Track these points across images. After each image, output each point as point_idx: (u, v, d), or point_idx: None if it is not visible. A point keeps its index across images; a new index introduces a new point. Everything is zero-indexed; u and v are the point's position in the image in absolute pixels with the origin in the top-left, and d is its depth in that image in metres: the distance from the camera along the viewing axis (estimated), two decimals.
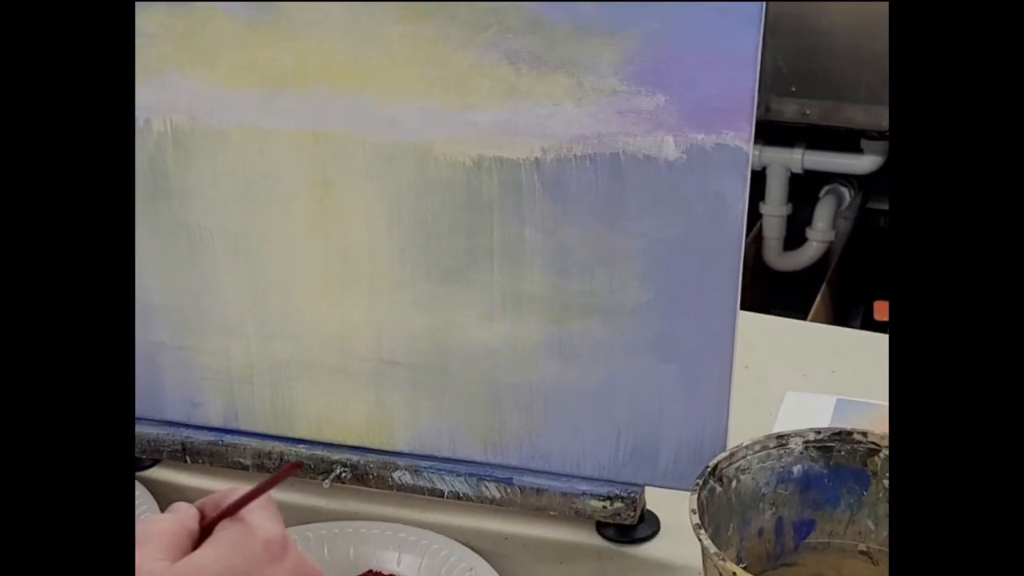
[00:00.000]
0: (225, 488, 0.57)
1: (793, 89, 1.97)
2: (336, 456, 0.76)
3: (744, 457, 0.63)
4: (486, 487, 0.74)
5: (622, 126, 0.67)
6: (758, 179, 2.09)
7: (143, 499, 0.79)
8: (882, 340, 1.01)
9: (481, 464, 0.75)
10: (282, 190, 0.73)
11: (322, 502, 0.79)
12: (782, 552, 0.65)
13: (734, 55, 0.64)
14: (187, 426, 0.79)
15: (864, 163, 2.07)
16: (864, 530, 0.65)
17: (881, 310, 1.89)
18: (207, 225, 0.75)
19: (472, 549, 0.73)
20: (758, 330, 0.98)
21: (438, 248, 0.71)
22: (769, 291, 2.17)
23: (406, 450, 0.75)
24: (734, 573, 0.54)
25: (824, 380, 0.92)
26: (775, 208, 2.15)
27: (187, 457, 0.79)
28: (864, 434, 0.64)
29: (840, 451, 0.64)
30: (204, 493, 0.79)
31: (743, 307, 0.70)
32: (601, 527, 0.76)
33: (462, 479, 0.74)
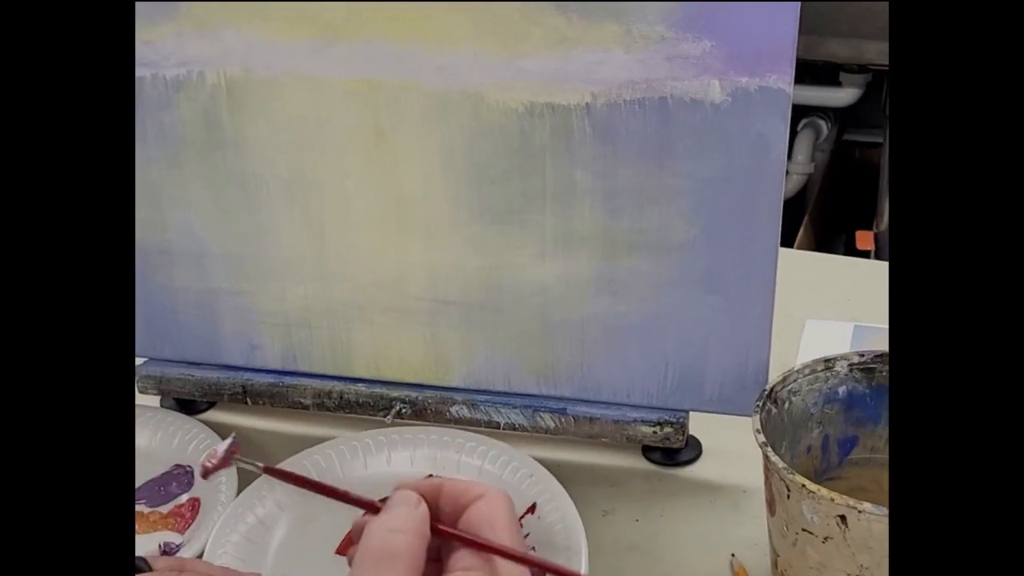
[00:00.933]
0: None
1: None
2: (395, 393, 0.80)
3: (795, 380, 0.68)
4: (541, 418, 0.78)
5: (670, 71, 0.70)
6: None
7: (205, 434, 0.82)
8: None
9: (535, 396, 0.79)
10: (336, 137, 0.75)
11: None
12: (827, 467, 0.70)
13: (776, 3, 0.68)
14: (247, 369, 0.83)
15: (843, 96, 2.11)
16: None
17: (863, 240, 1.94)
18: (262, 173, 0.77)
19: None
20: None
21: (491, 191, 0.75)
22: None
23: (462, 385, 0.79)
24: (803, 485, 0.58)
25: (841, 308, 0.97)
26: None
27: (247, 399, 0.83)
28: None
29: (881, 372, 0.68)
30: (264, 433, 0.84)
31: None
32: (647, 452, 0.81)
33: (518, 411, 0.78)
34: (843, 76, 2.07)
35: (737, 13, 0.68)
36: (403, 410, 0.80)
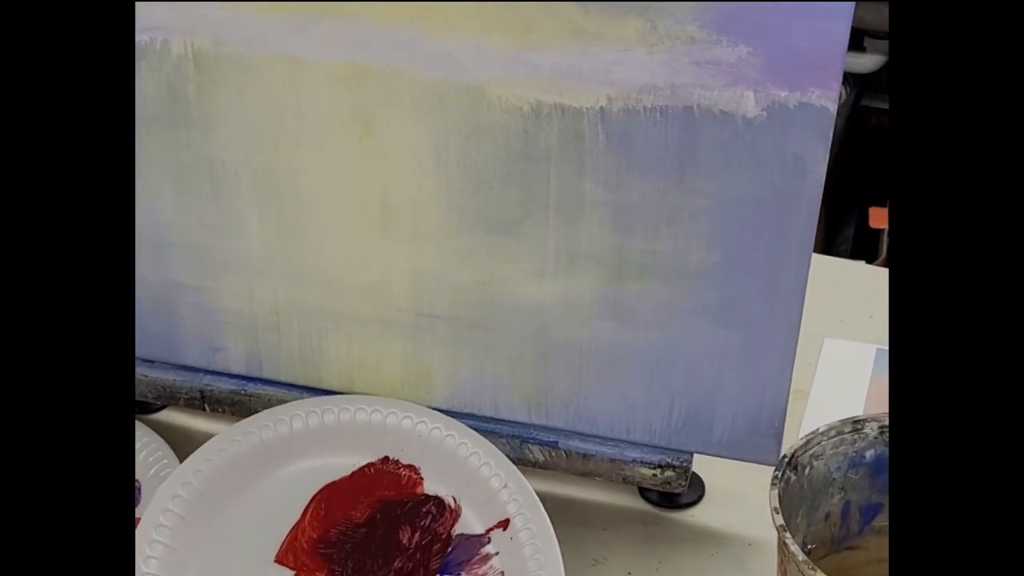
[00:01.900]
0: None
1: None
2: None
3: (819, 444, 0.60)
4: (529, 450, 0.71)
5: (698, 78, 0.61)
6: None
7: (152, 442, 0.75)
8: None
9: (524, 425, 0.71)
10: (317, 126, 0.67)
11: None
12: (846, 535, 0.63)
13: (828, 6, 0.59)
14: (207, 372, 0.75)
15: (865, 62, 2.01)
16: None
17: (877, 217, 1.86)
18: (231, 159, 0.69)
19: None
20: None
21: (488, 197, 0.66)
22: None
23: (444, 407, 0.71)
24: None
25: (863, 326, 0.89)
26: None
27: (206, 405, 0.75)
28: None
29: None
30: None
31: None
32: (644, 490, 0.73)
33: (504, 440, 0.70)
34: (868, 42, 1.97)
35: (781, 17, 0.59)
36: None
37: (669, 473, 0.69)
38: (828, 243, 2.00)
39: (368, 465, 0.69)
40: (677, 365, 0.68)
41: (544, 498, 0.72)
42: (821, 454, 0.60)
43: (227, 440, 0.69)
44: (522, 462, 0.70)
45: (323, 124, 0.67)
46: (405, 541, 0.67)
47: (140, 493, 0.72)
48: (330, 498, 0.68)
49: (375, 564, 0.67)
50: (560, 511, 0.71)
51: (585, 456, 0.70)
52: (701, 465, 0.73)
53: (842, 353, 0.86)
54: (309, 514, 0.68)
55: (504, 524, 0.67)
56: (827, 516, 0.62)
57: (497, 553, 0.66)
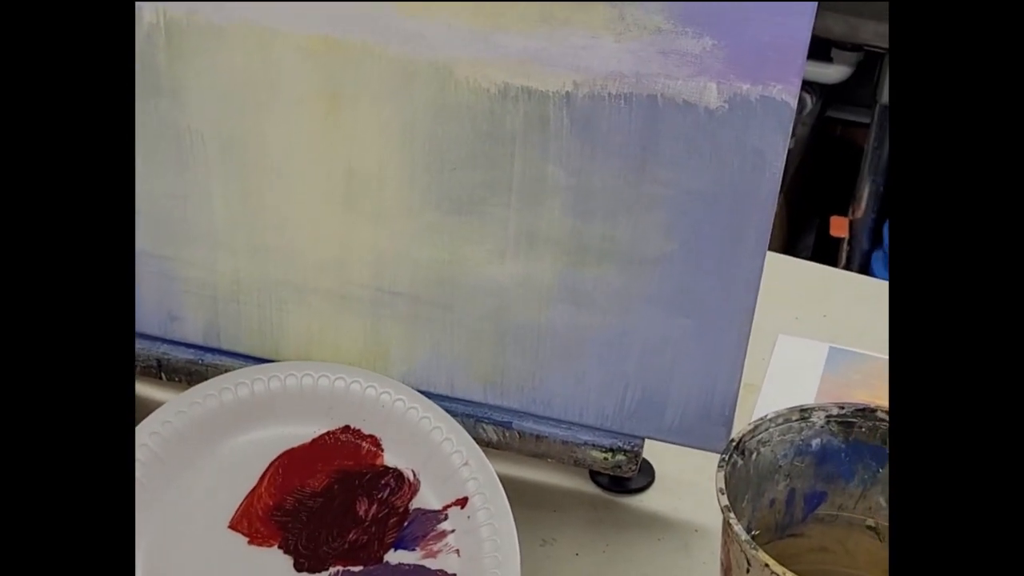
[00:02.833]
0: None
1: None
2: None
3: (766, 430, 0.61)
4: (484, 429, 0.71)
5: (663, 67, 0.62)
6: None
7: None
8: (872, 285, 0.99)
9: (479, 405, 0.72)
10: (285, 98, 0.67)
11: None
12: (791, 522, 0.64)
13: (791, 2, 0.60)
14: (164, 340, 0.75)
15: (832, 72, 2.03)
16: (874, 506, 0.63)
17: (837, 226, 1.88)
18: (199, 128, 0.69)
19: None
20: None
21: (452, 177, 0.67)
22: None
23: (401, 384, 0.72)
24: (766, 564, 0.52)
25: (815, 324, 0.91)
26: None
27: (162, 374, 0.75)
28: (888, 412, 0.62)
29: (861, 427, 0.62)
30: None
31: None
32: (595, 474, 0.74)
33: (459, 419, 0.71)
34: (835, 53, 1.99)
35: (745, 11, 0.60)
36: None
37: (620, 457, 0.70)
38: (789, 250, 2.02)
39: (328, 433, 0.69)
40: (631, 351, 0.68)
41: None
42: (768, 440, 0.61)
43: (186, 402, 0.69)
44: (476, 441, 0.71)
45: (291, 97, 0.67)
46: (361, 513, 0.68)
47: None
48: (288, 465, 0.68)
49: (330, 535, 0.67)
50: (512, 491, 0.71)
51: (538, 437, 0.71)
52: (652, 453, 0.74)
53: (795, 350, 0.88)
54: (266, 481, 0.68)
55: (462, 502, 0.67)
56: (772, 502, 0.63)
57: (453, 531, 0.67)
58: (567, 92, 0.63)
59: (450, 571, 0.65)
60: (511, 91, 0.64)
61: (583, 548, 0.70)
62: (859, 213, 1.90)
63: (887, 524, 0.64)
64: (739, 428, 0.61)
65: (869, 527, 0.64)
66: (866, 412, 0.62)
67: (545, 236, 0.67)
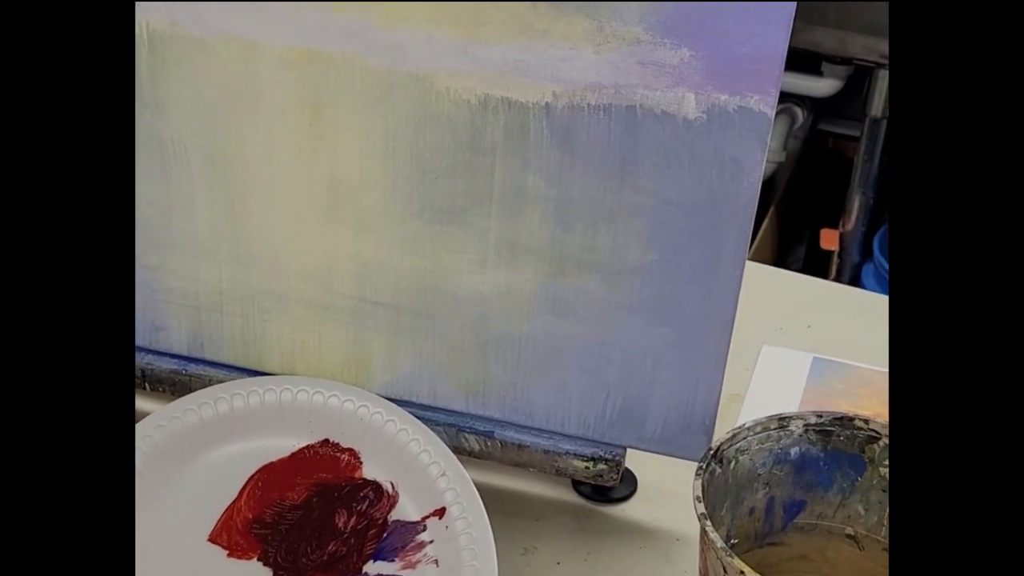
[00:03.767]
0: None
1: None
2: None
3: (745, 438, 0.61)
4: (465, 439, 0.72)
5: (642, 78, 0.63)
6: None
7: None
8: (856, 295, 1.00)
9: (461, 414, 0.72)
10: (268, 109, 0.68)
11: None
12: (770, 531, 0.64)
13: (768, 14, 0.60)
14: (148, 351, 0.75)
15: (822, 86, 2.04)
16: (853, 514, 0.64)
17: (828, 239, 1.89)
18: (182, 140, 0.69)
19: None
20: None
21: (433, 187, 0.67)
22: None
23: (383, 393, 0.72)
24: (741, 572, 0.52)
25: (800, 335, 0.91)
26: None
27: (147, 384, 0.75)
28: (866, 421, 0.62)
29: (840, 436, 0.62)
30: None
31: None
32: (577, 484, 0.74)
33: (440, 428, 0.71)
34: (825, 66, 2.00)
35: (722, 23, 0.61)
36: None
37: (601, 466, 0.70)
38: (779, 262, 2.02)
39: (308, 447, 0.69)
40: (612, 360, 0.69)
41: (478, 487, 0.73)
42: (747, 449, 0.61)
43: (166, 417, 0.69)
44: (458, 451, 0.71)
45: (273, 108, 0.67)
46: (341, 525, 0.68)
47: None
48: (268, 479, 0.69)
49: (309, 547, 0.67)
50: (493, 500, 0.72)
51: (520, 447, 0.71)
52: (635, 462, 0.74)
53: (779, 360, 0.88)
54: (246, 494, 0.68)
55: (440, 512, 0.67)
56: (751, 511, 0.63)
57: (432, 541, 0.67)
58: (547, 103, 0.64)
59: None
60: (491, 102, 0.64)
61: (565, 557, 0.70)
62: (849, 226, 1.91)
63: (866, 533, 0.64)
64: (718, 437, 0.62)
65: (848, 536, 0.64)
66: (844, 421, 0.62)
67: (526, 246, 0.67)
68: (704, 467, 0.58)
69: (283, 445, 0.69)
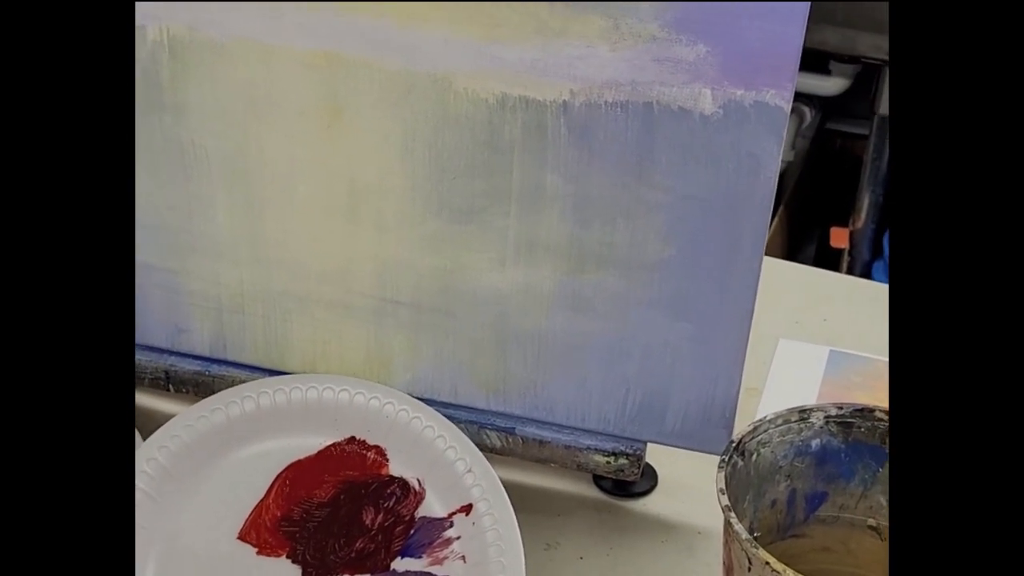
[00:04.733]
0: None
1: None
2: None
3: (766, 431, 0.62)
4: (487, 435, 0.72)
5: (658, 75, 0.63)
6: None
7: None
8: (871, 288, 1.00)
9: (483, 411, 0.72)
10: (287, 112, 0.68)
11: None
12: (792, 523, 0.65)
13: (784, 9, 0.61)
14: (171, 353, 0.76)
15: (830, 85, 2.04)
16: (875, 505, 0.64)
17: (838, 237, 1.89)
18: (202, 143, 0.70)
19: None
20: None
21: (452, 186, 0.68)
22: None
23: (404, 392, 0.73)
24: (767, 562, 0.53)
25: (816, 328, 0.91)
26: None
27: (170, 386, 0.76)
28: (886, 412, 0.63)
29: (860, 428, 0.63)
30: None
31: None
32: (598, 479, 0.75)
33: (462, 426, 0.71)
34: (833, 65, 2.00)
35: (738, 19, 0.61)
36: None
37: (622, 461, 0.71)
38: (789, 260, 2.02)
39: (334, 445, 0.70)
40: (632, 355, 0.69)
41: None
42: (768, 441, 0.62)
43: (194, 417, 0.70)
44: (480, 448, 0.72)
45: (293, 110, 0.68)
46: (368, 522, 0.68)
47: None
48: (295, 477, 0.69)
49: (337, 544, 0.68)
50: (516, 496, 0.72)
51: (541, 443, 0.72)
52: (655, 457, 0.74)
53: (796, 353, 0.88)
54: (274, 492, 0.69)
55: (467, 509, 0.68)
56: (773, 503, 0.63)
57: (459, 537, 0.67)
58: (564, 101, 0.64)
59: None
60: (509, 101, 0.65)
61: (587, 552, 0.70)
62: (859, 224, 1.91)
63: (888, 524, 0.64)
64: (739, 430, 0.62)
65: (871, 527, 0.64)
66: (865, 412, 0.63)
67: (545, 243, 0.68)
68: (727, 460, 0.59)
69: (310, 443, 0.70)
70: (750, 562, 0.54)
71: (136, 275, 0.74)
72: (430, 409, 0.71)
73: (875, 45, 1.87)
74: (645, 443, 0.71)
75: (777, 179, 0.65)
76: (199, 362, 0.76)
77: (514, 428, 0.72)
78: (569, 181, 0.66)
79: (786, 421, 0.62)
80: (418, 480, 0.69)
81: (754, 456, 0.61)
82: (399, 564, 0.67)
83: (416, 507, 0.69)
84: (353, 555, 0.67)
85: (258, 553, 0.67)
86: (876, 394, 0.84)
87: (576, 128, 0.65)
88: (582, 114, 0.64)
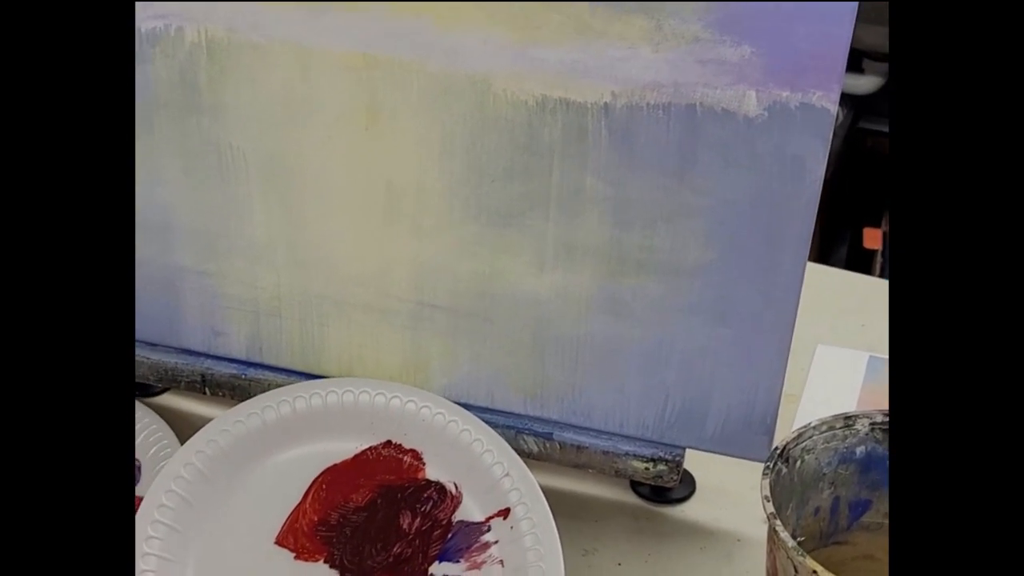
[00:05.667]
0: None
1: None
2: None
3: (811, 438, 0.61)
4: (524, 441, 0.71)
5: (702, 76, 0.62)
6: None
7: (153, 423, 0.76)
8: None
9: (520, 416, 0.72)
10: (325, 114, 0.68)
11: None
12: (835, 530, 0.64)
13: (832, 9, 0.60)
14: (208, 356, 0.76)
15: (863, 84, 2.03)
16: None
17: (871, 238, 1.87)
18: (240, 146, 0.70)
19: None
20: None
21: (491, 190, 0.67)
22: None
23: (441, 396, 0.72)
24: (814, 572, 0.52)
25: (854, 334, 0.90)
26: None
27: (207, 389, 0.76)
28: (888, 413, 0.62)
29: None
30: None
31: None
32: (636, 484, 0.74)
33: (499, 431, 0.71)
34: (866, 63, 1.99)
35: (783, 19, 0.60)
36: None
37: (661, 467, 0.70)
38: (822, 262, 2.00)
39: (370, 448, 0.70)
40: (671, 361, 0.68)
41: None
42: (812, 448, 0.61)
43: (230, 421, 0.69)
44: (517, 453, 0.71)
45: (330, 113, 0.68)
46: (405, 526, 0.68)
47: (140, 473, 0.73)
48: (331, 481, 0.69)
49: (374, 548, 0.67)
50: (553, 502, 0.71)
51: (579, 448, 0.71)
52: (693, 463, 0.74)
53: (834, 359, 0.87)
54: (310, 497, 0.68)
55: (505, 513, 0.67)
56: (816, 511, 0.63)
57: (497, 541, 0.67)
58: (605, 103, 0.64)
59: None
60: (549, 103, 0.64)
61: (625, 558, 0.70)
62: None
63: None
64: (781, 437, 0.61)
65: None
66: None
67: (584, 247, 0.67)
68: (771, 467, 0.58)
69: (346, 447, 0.70)
70: (796, 570, 0.53)
71: (172, 278, 0.74)
72: (467, 412, 0.70)
73: None
74: (684, 449, 0.71)
75: (822, 182, 0.64)
76: (235, 365, 0.75)
77: (551, 433, 0.71)
78: (609, 184, 0.65)
79: (831, 428, 0.61)
80: (455, 484, 0.69)
81: (798, 463, 0.60)
82: (437, 569, 0.66)
83: (453, 511, 0.68)
84: (391, 560, 0.67)
85: (296, 558, 0.67)
86: None
87: (617, 130, 0.64)
88: (623, 116, 0.64)
